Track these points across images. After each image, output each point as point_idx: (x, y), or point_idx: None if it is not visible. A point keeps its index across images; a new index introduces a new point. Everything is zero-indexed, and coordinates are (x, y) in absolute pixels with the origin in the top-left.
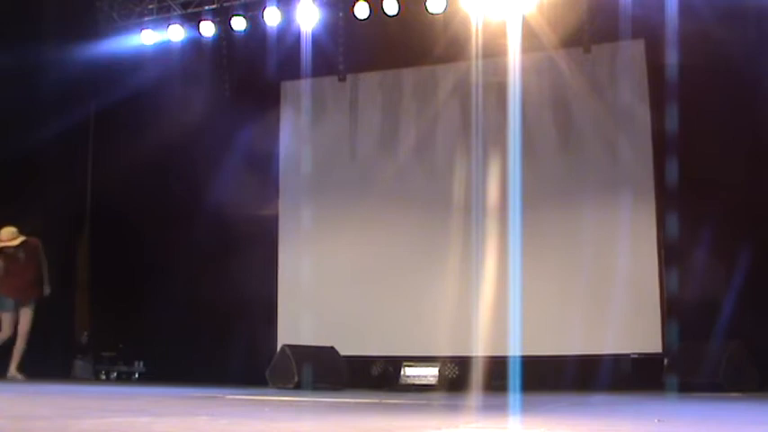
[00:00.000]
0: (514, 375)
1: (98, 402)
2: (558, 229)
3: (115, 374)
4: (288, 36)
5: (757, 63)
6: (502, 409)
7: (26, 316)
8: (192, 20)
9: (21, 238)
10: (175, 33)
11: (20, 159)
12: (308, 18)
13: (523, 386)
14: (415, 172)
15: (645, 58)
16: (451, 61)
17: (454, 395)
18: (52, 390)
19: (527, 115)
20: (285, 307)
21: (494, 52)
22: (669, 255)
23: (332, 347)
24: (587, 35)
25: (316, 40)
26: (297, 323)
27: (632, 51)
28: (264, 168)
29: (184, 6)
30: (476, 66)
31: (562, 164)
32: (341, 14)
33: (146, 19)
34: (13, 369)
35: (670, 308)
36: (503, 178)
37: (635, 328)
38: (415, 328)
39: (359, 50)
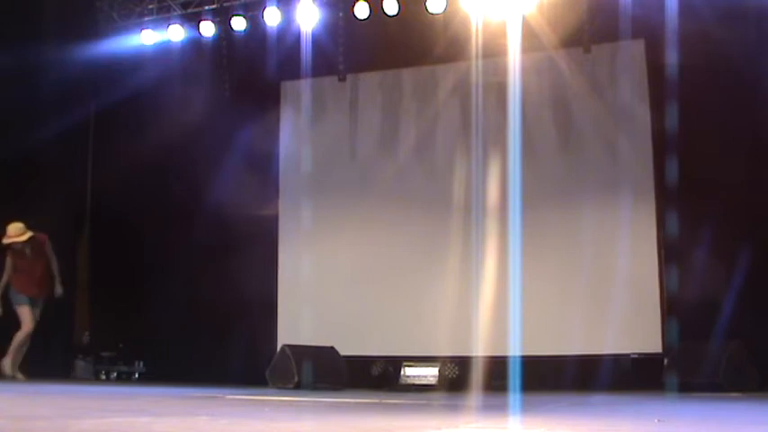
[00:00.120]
0: (514, 375)
1: (98, 402)
2: (558, 229)
3: (115, 374)
4: (288, 36)
5: (757, 63)
6: (502, 409)
7: (34, 315)
8: (192, 20)
9: (28, 234)
10: (175, 33)
11: (20, 159)
12: (308, 18)
13: (523, 386)
14: (415, 172)
15: (645, 58)
16: (451, 61)
17: (454, 395)
18: (52, 390)
19: (527, 115)
20: (285, 307)
21: (494, 52)
22: (669, 255)
23: (332, 347)
24: (587, 35)
25: (316, 40)
26: (297, 323)
27: (632, 51)
28: (264, 168)
29: (184, 6)
30: (476, 66)
31: (562, 164)
32: (341, 14)
33: (146, 19)
34: (8, 365)
35: (670, 308)
36: (503, 178)
37: (635, 328)
38: (415, 328)
39: (359, 50)
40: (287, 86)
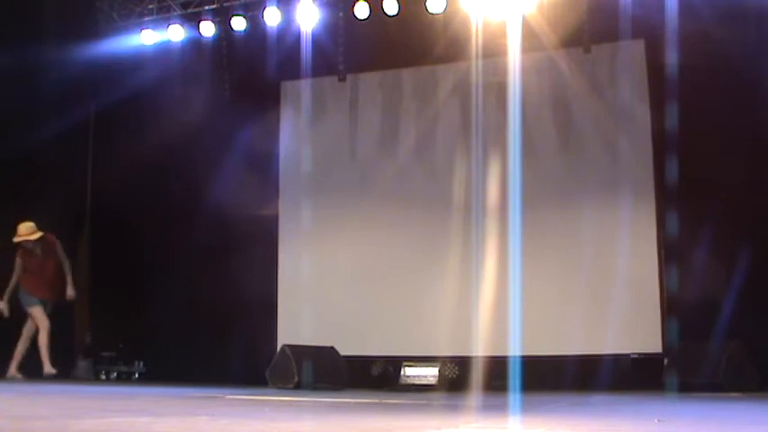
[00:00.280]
0: (514, 375)
1: (98, 402)
2: (558, 229)
3: (115, 374)
4: (288, 36)
5: (757, 63)
6: (502, 409)
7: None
8: (192, 20)
9: (39, 233)
10: (175, 33)
11: (20, 159)
12: (308, 18)
13: (523, 386)
14: (415, 172)
15: (645, 58)
16: (451, 61)
17: (454, 395)
18: (52, 390)
19: (527, 115)
20: (285, 307)
21: (494, 52)
22: (669, 255)
23: (332, 347)
24: (587, 35)
25: (316, 40)
26: (297, 323)
27: (632, 51)
28: (264, 168)
29: (184, 6)
30: (476, 66)
31: (562, 164)
32: (341, 14)
33: (146, 19)
34: (13, 369)
35: (670, 308)
36: (503, 178)
37: (635, 328)
38: (415, 328)
39: (359, 50)
40: (287, 86)
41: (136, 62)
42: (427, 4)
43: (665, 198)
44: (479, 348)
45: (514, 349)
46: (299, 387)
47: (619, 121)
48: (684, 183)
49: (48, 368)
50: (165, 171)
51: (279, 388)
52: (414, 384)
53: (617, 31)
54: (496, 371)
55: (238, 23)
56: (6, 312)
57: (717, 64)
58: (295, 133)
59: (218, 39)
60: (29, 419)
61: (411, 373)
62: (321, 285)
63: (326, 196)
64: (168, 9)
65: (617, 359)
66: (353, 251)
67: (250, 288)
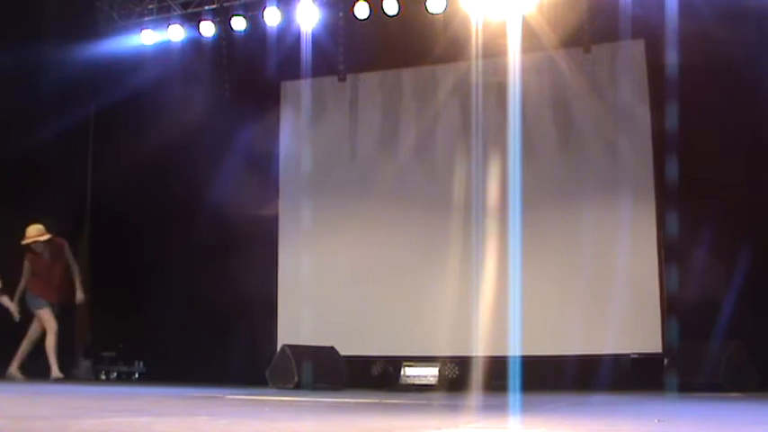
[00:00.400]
0: (514, 375)
1: (98, 402)
2: (558, 229)
3: (115, 374)
4: (288, 36)
5: (757, 63)
6: (502, 409)
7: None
8: (192, 20)
9: (48, 235)
10: (175, 33)
11: (20, 159)
12: (308, 18)
13: (523, 386)
14: (415, 172)
15: (645, 58)
16: (451, 61)
17: (454, 395)
18: (52, 390)
19: (527, 115)
20: (285, 307)
21: (494, 52)
22: (669, 255)
23: (332, 347)
24: (587, 35)
25: (316, 40)
26: (297, 323)
27: (632, 51)
28: (264, 168)
29: (184, 6)
30: (476, 66)
31: (562, 164)
32: (341, 14)
33: (146, 19)
34: (14, 368)
35: (670, 308)
36: (503, 178)
37: (635, 328)
38: (415, 328)
39: (359, 50)
40: (287, 86)
41: (136, 62)
42: (427, 4)
43: (665, 198)
44: (479, 348)
45: (514, 349)
46: (299, 387)
47: (619, 121)
48: (684, 183)
49: (55, 372)
50: (165, 171)
51: (279, 388)
52: (414, 384)
53: (617, 31)
54: (496, 371)
55: (238, 23)
56: (17, 315)
57: (717, 64)
58: (295, 133)
59: (218, 39)
60: (29, 419)
61: (411, 373)
62: (321, 285)
63: (326, 196)
64: (168, 9)
65: (617, 359)
66: (353, 251)
67: (250, 288)
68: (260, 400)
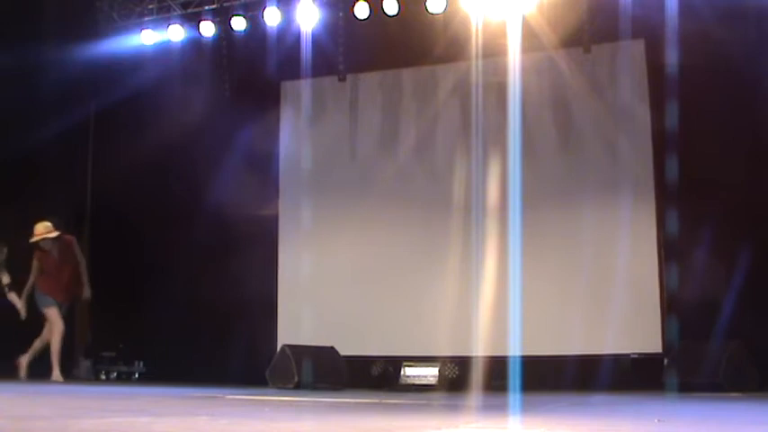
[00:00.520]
0: (514, 375)
1: (98, 402)
2: (558, 229)
3: (115, 374)
4: (288, 36)
5: (757, 63)
6: (502, 409)
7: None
8: (192, 20)
9: (57, 232)
10: (175, 33)
11: (20, 159)
12: (308, 18)
13: (523, 386)
14: (415, 172)
15: (645, 58)
16: (451, 61)
17: (454, 395)
18: (52, 390)
19: (527, 115)
20: (285, 307)
21: (494, 52)
22: (669, 254)
23: (332, 347)
24: (587, 35)
25: (316, 40)
26: (297, 323)
27: (632, 51)
28: (264, 168)
29: (184, 6)
30: (476, 66)
31: (562, 164)
32: (341, 14)
33: (146, 19)
34: (23, 361)
35: (670, 308)
36: (503, 178)
37: (635, 327)
38: (415, 328)
39: (359, 50)
40: (287, 86)
41: (136, 62)
42: (427, 4)
43: (665, 198)
44: (479, 348)
45: (514, 349)
46: (299, 387)
47: (619, 121)
48: (684, 183)
49: (56, 375)
50: (165, 171)
51: (279, 388)
52: (414, 384)
53: (617, 31)
54: (496, 371)
55: (238, 23)
56: (24, 313)
57: (717, 64)
58: (295, 133)
59: (218, 39)
60: (29, 419)
61: (411, 373)
62: (321, 285)
63: (326, 196)
64: (168, 9)
65: (617, 359)
66: (353, 251)
67: (250, 288)
68: (260, 400)
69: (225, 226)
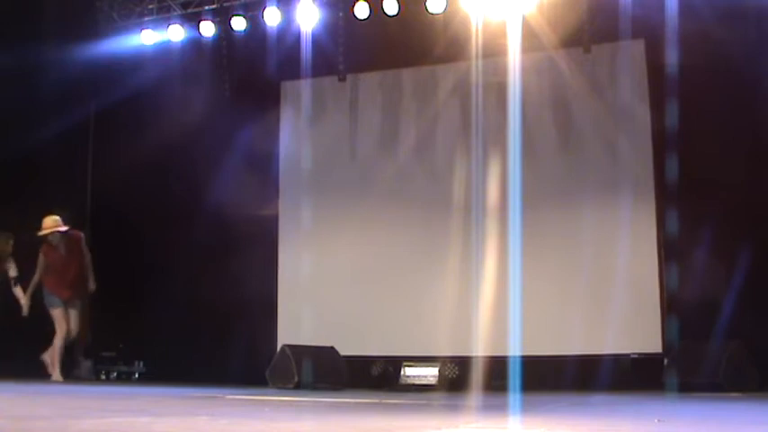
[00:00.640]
0: (514, 375)
1: (98, 402)
2: (558, 229)
3: (115, 374)
4: (288, 36)
5: (757, 63)
6: (502, 409)
7: (74, 318)
8: (192, 20)
9: (65, 227)
10: (175, 33)
11: (20, 159)
12: (308, 18)
13: (523, 386)
14: (415, 172)
15: (645, 58)
16: (451, 61)
17: (454, 395)
18: (52, 390)
19: (527, 115)
20: (285, 307)
21: (494, 52)
22: (669, 254)
23: (332, 347)
24: (587, 35)
25: (316, 40)
26: (297, 323)
27: (632, 51)
28: (264, 168)
29: (184, 6)
30: (476, 66)
31: (562, 164)
32: (341, 14)
33: (146, 19)
34: (56, 372)
35: (670, 308)
36: (503, 178)
37: (635, 327)
38: (415, 328)
39: (359, 50)
40: (287, 86)
41: (136, 62)
42: (427, 4)
43: (665, 198)
44: (479, 348)
45: (514, 349)
46: (299, 387)
47: (619, 121)
48: (684, 183)
49: (56, 375)
50: (165, 171)
51: (279, 388)
52: (414, 384)
53: (617, 31)
54: (496, 371)
55: (238, 23)
56: (26, 310)
57: (717, 64)
58: (295, 133)
59: (218, 39)
60: (29, 419)
61: (411, 373)
62: (321, 285)
63: (326, 196)
64: (168, 9)
65: (617, 359)
66: (353, 251)
67: (250, 288)
68: (260, 400)
69: (225, 226)
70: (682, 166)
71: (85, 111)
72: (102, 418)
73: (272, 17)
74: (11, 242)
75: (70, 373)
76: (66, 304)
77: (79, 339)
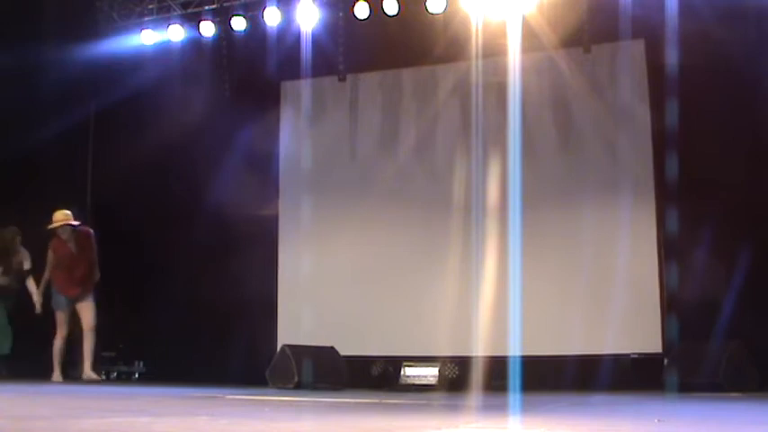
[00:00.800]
0: (514, 375)
1: (98, 402)
2: (558, 229)
3: (115, 374)
4: (288, 36)
5: (757, 63)
6: (502, 409)
7: (87, 311)
8: (192, 20)
9: (76, 221)
10: (175, 33)
11: (20, 159)
12: (308, 18)
13: (523, 386)
14: (415, 172)
15: (645, 58)
16: (451, 61)
17: (454, 395)
18: (52, 390)
19: (527, 115)
20: (285, 307)
21: (494, 52)
22: (669, 254)
23: (332, 347)
24: (587, 35)
25: (316, 40)
26: (297, 323)
27: (632, 51)
28: (264, 168)
29: (184, 6)
30: (476, 66)
31: (562, 164)
32: (341, 14)
33: (146, 19)
34: (87, 369)
35: (670, 307)
36: (503, 178)
37: (635, 327)
38: (415, 328)
39: (359, 50)
40: (287, 86)
41: (136, 62)
42: (427, 4)
43: (665, 198)
44: (479, 348)
45: (514, 349)
46: (299, 387)
47: (619, 121)
48: (684, 182)
49: (57, 375)
50: (165, 171)
51: (279, 388)
52: (414, 384)
53: (617, 31)
54: (496, 371)
55: (238, 23)
56: (39, 308)
57: (717, 64)
58: (295, 133)
59: (218, 39)
60: (29, 419)
61: (411, 373)
62: (321, 285)
63: (326, 196)
64: (168, 9)
65: (617, 359)
66: (353, 251)
67: (250, 288)
68: (260, 400)
69: (225, 226)
70: (682, 166)
71: (85, 111)
72: (102, 418)
73: (272, 17)
74: (18, 237)
75: (95, 370)
76: (75, 301)
77: (94, 333)
